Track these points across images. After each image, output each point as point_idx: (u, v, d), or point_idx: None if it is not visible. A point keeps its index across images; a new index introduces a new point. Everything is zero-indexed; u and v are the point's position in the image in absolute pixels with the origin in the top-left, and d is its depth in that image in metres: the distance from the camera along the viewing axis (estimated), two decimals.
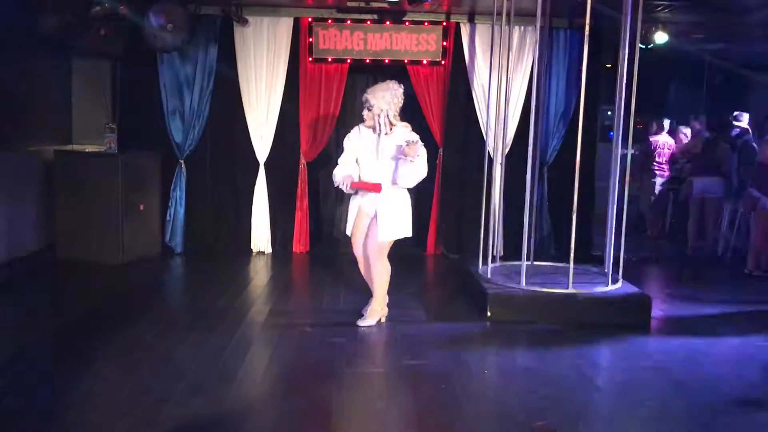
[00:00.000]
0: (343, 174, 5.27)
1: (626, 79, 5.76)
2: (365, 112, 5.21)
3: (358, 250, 5.49)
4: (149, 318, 5.52)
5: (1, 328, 5.38)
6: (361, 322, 5.40)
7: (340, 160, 5.38)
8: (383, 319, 5.49)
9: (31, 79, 7.30)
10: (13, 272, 6.66)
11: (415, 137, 5.11)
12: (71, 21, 6.40)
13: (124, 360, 4.60)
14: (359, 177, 5.32)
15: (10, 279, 6.51)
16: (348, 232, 5.53)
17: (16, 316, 5.60)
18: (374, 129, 5.20)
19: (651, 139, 9.71)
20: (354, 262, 5.61)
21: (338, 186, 5.33)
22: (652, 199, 9.70)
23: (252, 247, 8.03)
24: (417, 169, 5.08)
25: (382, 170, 5.22)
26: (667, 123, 9.78)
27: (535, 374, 4.61)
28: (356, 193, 5.40)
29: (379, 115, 5.13)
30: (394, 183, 5.20)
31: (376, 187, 5.21)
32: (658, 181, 9.60)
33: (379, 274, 5.35)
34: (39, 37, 6.52)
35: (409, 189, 5.31)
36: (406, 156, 4.98)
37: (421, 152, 5.06)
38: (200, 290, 6.59)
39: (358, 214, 5.42)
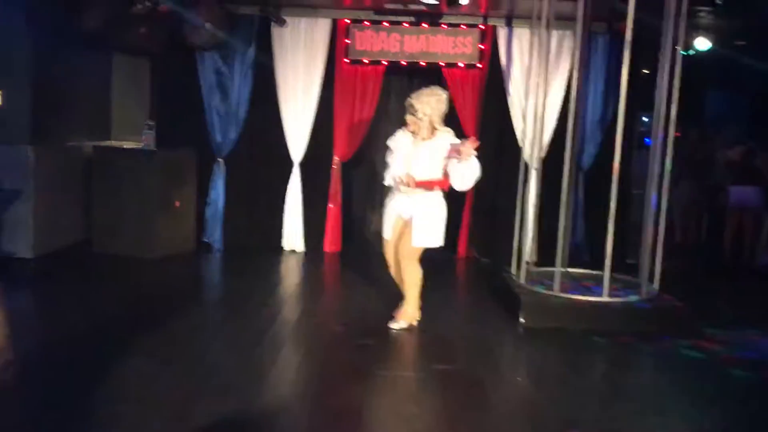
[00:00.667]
0: (400, 172, 5.17)
1: (667, 86, 5.68)
2: (408, 117, 5.20)
3: (389, 252, 5.48)
4: (182, 313, 5.57)
5: (36, 320, 5.49)
6: (393, 325, 5.39)
7: (389, 161, 5.34)
8: (414, 323, 5.48)
9: (73, 75, 7.44)
10: (50, 265, 6.79)
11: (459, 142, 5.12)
12: (113, 19, 6.51)
13: (157, 355, 4.64)
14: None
15: (47, 271, 6.63)
16: (386, 236, 5.47)
17: (52, 309, 5.69)
18: (416, 133, 5.19)
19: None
20: (385, 263, 5.60)
21: (398, 184, 5.18)
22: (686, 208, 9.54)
23: (284, 245, 8.07)
24: (473, 170, 5.04)
25: (420, 174, 5.18)
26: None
27: (568, 382, 4.57)
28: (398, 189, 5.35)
29: (422, 120, 5.13)
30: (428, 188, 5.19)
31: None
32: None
33: (411, 278, 5.34)
34: (81, 35, 6.64)
35: (445, 195, 5.28)
36: (460, 155, 4.92)
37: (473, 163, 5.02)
38: (233, 287, 6.67)
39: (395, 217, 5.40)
